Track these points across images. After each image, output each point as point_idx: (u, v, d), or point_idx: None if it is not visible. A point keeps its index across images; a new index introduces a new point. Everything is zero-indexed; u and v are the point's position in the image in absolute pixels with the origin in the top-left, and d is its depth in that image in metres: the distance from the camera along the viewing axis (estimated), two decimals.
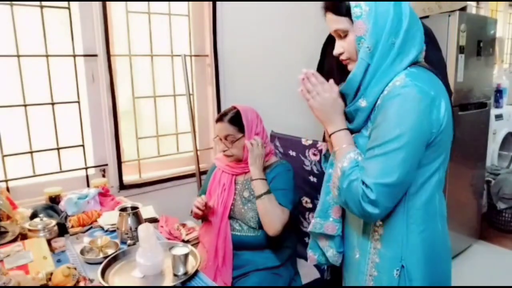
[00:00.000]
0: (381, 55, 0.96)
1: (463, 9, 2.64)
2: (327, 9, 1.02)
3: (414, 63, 0.99)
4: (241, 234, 1.60)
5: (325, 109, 1.06)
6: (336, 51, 1.04)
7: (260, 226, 1.56)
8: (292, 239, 1.70)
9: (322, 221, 1.18)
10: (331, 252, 1.20)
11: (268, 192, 1.53)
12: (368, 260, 1.07)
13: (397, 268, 1.01)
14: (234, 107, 1.65)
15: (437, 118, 0.94)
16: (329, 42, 1.80)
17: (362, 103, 1.00)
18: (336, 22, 1.00)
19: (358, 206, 0.95)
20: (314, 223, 1.19)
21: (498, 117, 3.64)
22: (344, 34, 1.00)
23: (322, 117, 1.07)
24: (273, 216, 1.50)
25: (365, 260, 1.07)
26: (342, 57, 1.04)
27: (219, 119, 1.63)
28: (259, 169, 1.56)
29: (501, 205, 3.25)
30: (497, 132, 3.66)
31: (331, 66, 1.75)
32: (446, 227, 1.08)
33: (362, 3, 0.95)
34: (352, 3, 0.96)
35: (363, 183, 0.94)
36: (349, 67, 1.04)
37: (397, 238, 1.01)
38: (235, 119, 1.60)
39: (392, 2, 0.95)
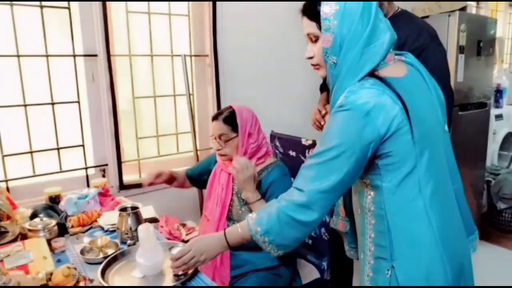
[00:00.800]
0: (339, 67, 1.00)
1: (463, 9, 2.65)
2: (303, 12, 1.06)
3: (370, 72, 1.00)
4: None
5: (206, 247, 1.14)
6: (307, 55, 1.08)
7: None
8: None
9: (336, 218, 1.29)
10: (345, 247, 1.31)
11: (259, 199, 1.52)
12: (366, 261, 1.09)
13: (388, 269, 1.03)
14: (230, 107, 1.64)
15: (372, 132, 0.95)
16: None
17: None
18: (309, 26, 1.03)
19: (298, 227, 0.99)
20: (332, 220, 1.32)
21: (498, 117, 3.64)
22: (315, 39, 1.04)
23: (214, 251, 1.15)
24: None
25: (364, 262, 1.10)
26: (312, 62, 1.08)
27: (215, 118, 1.63)
28: (251, 191, 1.51)
29: (501, 205, 3.25)
30: (497, 132, 3.66)
31: None
32: (454, 226, 1.07)
33: (331, 16, 0.97)
34: (322, 15, 0.98)
35: (296, 188, 1.00)
36: (319, 73, 1.09)
37: (385, 240, 1.03)
38: (230, 118, 1.59)
39: (358, 14, 0.96)
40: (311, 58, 1.07)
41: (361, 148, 0.96)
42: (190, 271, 1.15)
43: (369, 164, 1.01)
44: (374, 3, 0.99)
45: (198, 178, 1.83)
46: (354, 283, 1.98)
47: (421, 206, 1.01)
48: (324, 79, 1.86)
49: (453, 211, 1.09)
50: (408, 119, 0.97)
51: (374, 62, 0.99)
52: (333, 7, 0.97)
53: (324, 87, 1.91)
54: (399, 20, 1.67)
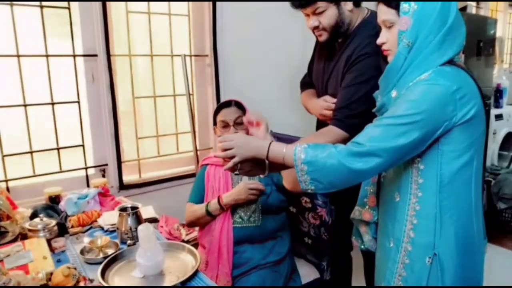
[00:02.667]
0: (417, 50, 1.03)
1: (463, 9, 2.65)
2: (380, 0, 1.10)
3: (449, 61, 1.05)
4: (242, 226, 1.60)
5: (247, 145, 1.12)
6: (379, 41, 1.12)
7: (261, 214, 1.58)
8: (289, 233, 1.72)
9: (360, 208, 1.30)
10: (367, 238, 1.32)
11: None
12: (401, 248, 1.11)
13: (430, 256, 1.06)
14: (230, 99, 1.71)
15: (452, 111, 0.99)
16: (317, 45, 1.79)
17: (393, 93, 1.08)
18: (385, 13, 1.08)
19: (343, 172, 1.00)
20: (354, 211, 1.33)
21: (498, 117, 3.64)
22: (390, 25, 1.08)
23: (252, 150, 1.12)
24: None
25: (398, 249, 1.12)
26: (384, 47, 1.12)
27: (225, 105, 1.67)
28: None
29: (501, 205, 3.25)
30: (497, 132, 3.65)
31: (317, 70, 1.75)
32: (480, 227, 1.12)
33: (412, 1, 1.02)
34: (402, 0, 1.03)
35: (355, 142, 1.01)
36: (389, 58, 1.12)
37: (430, 227, 1.06)
38: (239, 105, 1.68)
39: (440, 3, 1.01)
40: (383, 43, 1.11)
41: (436, 124, 0.99)
42: (190, 271, 1.15)
43: (429, 148, 1.03)
44: None
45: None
46: (354, 283, 1.98)
47: (471, 200, 1.06)
48: (305, 77, 1.84)
49: (481, 212, 1.14)
50: (484, 111, 1.04)
51: (455, 51, 1.04)
52: None
53: (305, 84, 1.88)
54: (371, 24, 1.39)
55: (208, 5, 2.27)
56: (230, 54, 2.36)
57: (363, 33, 1.47)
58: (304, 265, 1.78)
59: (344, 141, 1.40)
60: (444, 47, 1.02)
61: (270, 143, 1.11)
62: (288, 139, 1.95)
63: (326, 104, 1.63)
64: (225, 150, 1.14)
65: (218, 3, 2.26)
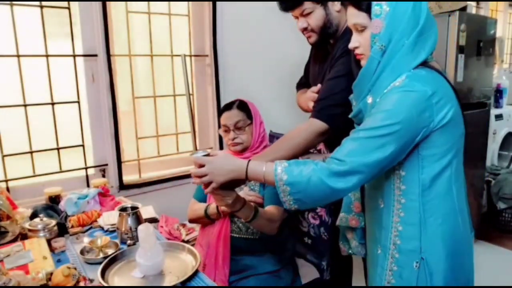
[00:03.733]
0: (391, 54, 1.00)
1: (463, 9, 2.64)
2: (349, 2, 1.05)
3: (423, 63, 1.03)
4: (239, 236, 1.57)
5: (223, 170, 1.11)
6: (351, 45, 1.08)
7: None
8: (291, 241, 1.70)
9: (346, 215, 1.29)
10: (355, 244, 1.31)
11: (256, 213, 1.42)
12: (388, 255, 1.10)
13: (417, 261, 1.05)
14: (236, 99, 1.69)
15: (429, 117, 0.97)
16: (313, 49, 1.79)
17: (369, 99, 1.05)
18: (356, 16, 1.04)
19: (326, 191, 0.98)
20: (340, 217, 1.31)
21: (498, 117, 3.64)
22: (361, 29, 1.04)
23: (229, 175, 1.11)
24: (269, 227, 1.49)
25: (385, 256, 1.11)
26: (356, 51, 1.08)
27: (227, 108, 1.65)
28: (246, 209, 1.38)
29: (501, 205, 3.25)
30: (497, 132, 3.66)
31: (313, 73, 1.74)
32: (467, 222, 1.12)
33: (383, 3, 0.99)
34: (373, 2, 1.00)
35: (334, 158, 0.99)
36: (362, 62, 1.09)
37: (415, 232, 1.05)
38: (243, 106, 1.65)
39: (411, 4, 0.99)
40: (356, 48, 1.08)
41: (414, 131, 0.97)
42: (190, 271, 1.14)
43: (409, 155, 1.02)
44: None
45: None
46: (354, 283, 1.98)
47: (454, 200, 1.05)
48: (301, 79, 1.85)
49: (466, 209, 1.13)
50: (462, 113, 1.03)
51: (428, 51, 1.01)
52: None
53: (301, 85, 1.88)
54: None
55: (208, 5, 2.27)
56: (230, 54, 2.37)
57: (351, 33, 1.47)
58: (304, 265, 1.78)
59: (325, 133, 1.40)
60: (416, 49, 1.00)
61: (248, 163, 1.09)
62: None
63: (312, 95, 1.61)
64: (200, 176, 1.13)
65: (218, 3, 2.27)
